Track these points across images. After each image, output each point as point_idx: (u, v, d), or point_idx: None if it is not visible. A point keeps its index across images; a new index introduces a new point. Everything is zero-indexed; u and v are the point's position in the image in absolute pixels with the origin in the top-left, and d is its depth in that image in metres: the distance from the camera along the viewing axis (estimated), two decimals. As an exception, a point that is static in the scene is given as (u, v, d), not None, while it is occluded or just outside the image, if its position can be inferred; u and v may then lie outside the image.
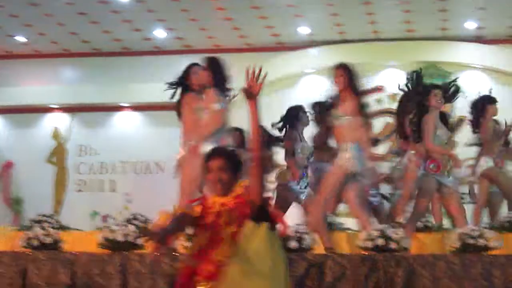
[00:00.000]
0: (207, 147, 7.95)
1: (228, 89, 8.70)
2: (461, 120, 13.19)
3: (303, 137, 10.55)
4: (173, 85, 9.04)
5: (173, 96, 9.11)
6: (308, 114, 10.76)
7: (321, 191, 8.62)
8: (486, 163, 9.89)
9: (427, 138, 8.73)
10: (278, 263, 4.42)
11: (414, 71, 10.62)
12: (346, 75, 8.56)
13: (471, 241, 7.46)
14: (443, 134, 9.17)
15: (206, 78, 8.43)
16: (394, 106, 13.10)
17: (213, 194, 4.64)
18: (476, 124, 10.23)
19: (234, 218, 4.50)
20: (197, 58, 13.85)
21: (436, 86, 9.83)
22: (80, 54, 14.97)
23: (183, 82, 9.01)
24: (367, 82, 13.92)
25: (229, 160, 4.59)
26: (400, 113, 10.00)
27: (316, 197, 8.83)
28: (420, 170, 8.90)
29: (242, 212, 4.48)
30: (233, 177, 4.54)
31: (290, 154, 10.33)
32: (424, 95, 9.30)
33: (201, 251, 4.58)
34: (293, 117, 10.88)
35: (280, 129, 10.21)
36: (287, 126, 10.28)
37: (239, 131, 10.27)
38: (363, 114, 8.60)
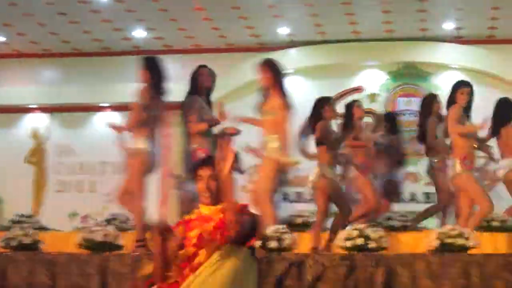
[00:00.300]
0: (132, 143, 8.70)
1: (163, 89, 8.87)
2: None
3: None
4: None
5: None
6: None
7: (262, 188, 8.69)
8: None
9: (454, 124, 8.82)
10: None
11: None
12: (270, 72, 8.77)
13: (450, 241, 7.46)
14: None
15: (143, 77, 8.67)
16: (374, 106, 14.14)
17: (201, 203, 4.68)
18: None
19: (212, 247, 4.49)
20: (177, 58, 14.54)
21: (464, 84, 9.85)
22: (60, 54, 14.93)
23: None
24: (347, 83, 14.21)
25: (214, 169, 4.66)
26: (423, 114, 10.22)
27: (262, 194, 8.81)
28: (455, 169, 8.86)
29: (220, 240, 4.47)
30: (217, 185, 4.61)
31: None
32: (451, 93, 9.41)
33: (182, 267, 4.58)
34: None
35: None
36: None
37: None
38: (289, 109, 8.82)
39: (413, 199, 14.01)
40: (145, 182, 8.77)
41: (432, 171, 10.30)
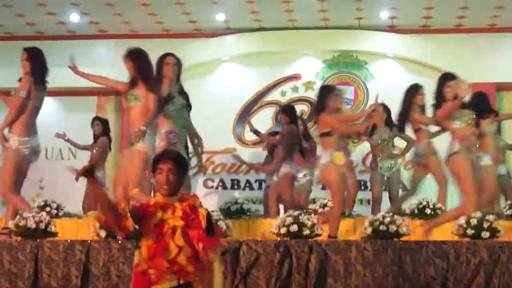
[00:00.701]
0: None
1: (44, 81, 9.03)
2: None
3: None
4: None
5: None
6: None
7: (134, 179, 8.75)
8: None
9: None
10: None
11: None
12: (132, 62, 8.82)
13: (382, 228, 7.57)
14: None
15: (25, 67, 8.84)
16: (309, 94, 14.45)
17: (158, 193, 4.84)
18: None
19: (192, 221, 4.70)
20: (113, 43, 14.73)
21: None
22: (-8, 37, 14.75)
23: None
24: (283, 70, 15.01)
25: (178, 163, 4.76)
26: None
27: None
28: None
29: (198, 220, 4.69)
30: (180, 180, 4.74)
31: None
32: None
33: (155, 252, 4.71)
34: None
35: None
36: None
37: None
38: (155, 98, 8.88)
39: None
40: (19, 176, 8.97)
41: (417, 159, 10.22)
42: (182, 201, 4.78)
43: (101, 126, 12.62)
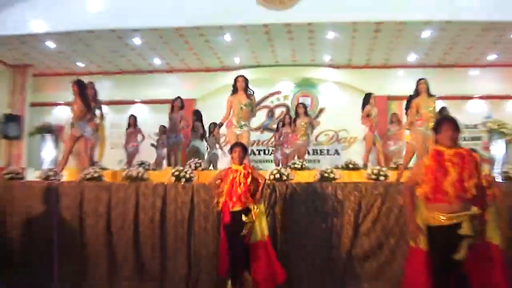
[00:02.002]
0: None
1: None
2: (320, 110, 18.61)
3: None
4: None
5: None
6: None
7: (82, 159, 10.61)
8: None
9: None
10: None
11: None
12: (76, 86, 10.69)
13: (326, 175, 9.22)
14: None
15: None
16: (286, 101, 18.86)
17: (233, 163, 7.52)
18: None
19: (245, 178, 7.38)
20: (175, 75, 18.24)
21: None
22: None
23: None
24: (271, 89, 18.64)
25: (243, 148, 7.53)
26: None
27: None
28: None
29: (249, 179, 7.31)
30: (243, 156, 7.41)
31: None
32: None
33: (229, 192, 7.37)
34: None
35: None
36: None
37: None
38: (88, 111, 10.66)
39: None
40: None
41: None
42: (243, 167, 7.37)
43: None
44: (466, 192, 5.26)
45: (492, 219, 6.68)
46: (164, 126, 14.91)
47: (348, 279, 8.48)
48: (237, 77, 10.43)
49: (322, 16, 13.92)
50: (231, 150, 7.60)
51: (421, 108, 10.99)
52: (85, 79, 14.82)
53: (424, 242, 5.55)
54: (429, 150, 5.67)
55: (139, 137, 15.15)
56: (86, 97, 10.84)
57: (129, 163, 14.26)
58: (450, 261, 5.08)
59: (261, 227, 7.50)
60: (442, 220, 5.25)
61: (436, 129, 5.60)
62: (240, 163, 7.43)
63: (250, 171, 7.39)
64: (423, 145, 10.21)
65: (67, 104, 15.64)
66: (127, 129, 14.80)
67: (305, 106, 13.37)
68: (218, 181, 7.55)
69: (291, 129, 13.81)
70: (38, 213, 8.92)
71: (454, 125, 5.48)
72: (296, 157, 12.90)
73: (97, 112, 11.84)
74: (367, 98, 13.24)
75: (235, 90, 10.41)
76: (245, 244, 7.34)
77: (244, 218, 7.18)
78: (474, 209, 5.23)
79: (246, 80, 10.39)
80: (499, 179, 9.36)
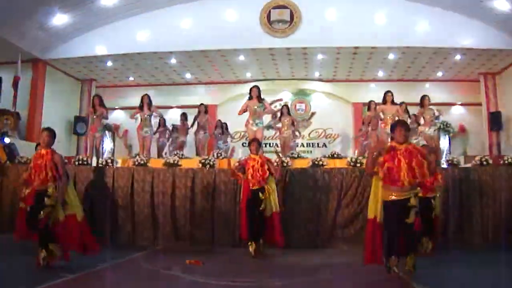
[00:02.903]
0: None
1: None
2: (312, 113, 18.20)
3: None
4: None
5: None
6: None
7: None
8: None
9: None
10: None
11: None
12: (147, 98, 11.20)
13: (317, 162, 9.21)
14: None
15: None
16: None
17: (251, 153, 7.70)
18: None
19: (262, 166, 7.52)
20: (204, 87, 17.89)
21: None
22: None
23: None
24: (275, 97, 17.63)
25: (258, 143, 7.85)
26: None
27: None
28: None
29: (264, 166, 7.44)
30: (258, 148, 7.70)
31: None
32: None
33: (251, 175, 7.54)
34: None
35: None
36: None
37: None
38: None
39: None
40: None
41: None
42: (259, 157, 7.56)
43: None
44: (414, 178, 5.33)
45: (438, 195, 7.32)
46: (174, 125, 14.48)
47: (332, 242, 8.61)
48: (252, 87, 10.30)
49: (314, 43, 14.49)
50: (249, 144, 7.85)
51: (386, 113, 11.11)
52: (135, 91, 17.25)
53: (380, 214, 5.64)
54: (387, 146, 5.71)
55: (167, 134, 14.50)
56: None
57: (159, 153, 13.92)
58: (404, 224, 5.15)
59: (275, 202, 7.60)
60: (394, 197, 5.32)
61: (392, 129, 5.64)
62: (256, 153, 7.61)
63: (264, 159, 7.59)
64: (384, 142, 10.10)
65: (121, 108, 17.16)
66: (157, 128, 14.06)
67: (287, 107, 12.71)
68: (240, 166, 7.71)
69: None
70: (99, 190, 9.03)
71: (405, 126, 5.53)
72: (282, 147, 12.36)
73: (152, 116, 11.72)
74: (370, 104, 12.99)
75: (250, 97, 10.26)
76: (262, 216, 7.46)
77: (260, 195, 7.35)
78: (418, 190, 5.34)
79: (258, 89, 10.24)
80: (444, 165, 9.40)
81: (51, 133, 6.49)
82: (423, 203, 5.98)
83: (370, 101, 12.93)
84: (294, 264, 7.03)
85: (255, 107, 10.23)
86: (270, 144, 16.78)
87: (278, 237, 7.58)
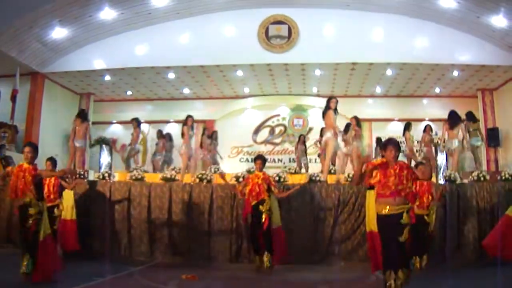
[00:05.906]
0: None
1: None
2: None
3: None
4: None
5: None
6: None
7: None
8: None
9: None
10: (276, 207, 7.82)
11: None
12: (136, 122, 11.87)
13: (313, 178, 9.26)
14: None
15: None
16: (284, 122, 18.19)
17: (256, 170, 7.97)
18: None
19: (263, 183, 7.72)
20: (202, 102, 17.56)
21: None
22: None
23: None
24: (273, 111, 17.87)
25: (263, 160, 7.98)
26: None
27: None
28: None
29: (265, 183, 7.66)
30: (263, 166, 7.92)
31: None
32: None
33: (251, 192, 7.75)
34: None
35: None
36: None
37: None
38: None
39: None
40: None
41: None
42: (262, 174, 7.82)
43: None
44: (403, 191, 5.38)
45: (432, 212, 7.37)
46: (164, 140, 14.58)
47: (329, 258, 8.63)
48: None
49: (311, 58, 14.48)
50: (254, 161, 8.04)
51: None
52: (133, 105, 17.85)
53: (375, 226, 5.81)
54: (378, 160, 5.70)
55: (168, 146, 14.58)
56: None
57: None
58: (397, 242, 5.18)
59: (277, 217, 7.84)
60: (387, 211, 5.34)
61: (383, 148, 5.66)
62: (260, 171, 7.86)
63: (266, 176, 7.86)
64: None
65: (119, 123, 17.15)
66: (156, 143, 14.30)
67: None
68: (244, 183, 8.00)
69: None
70: (96, 203, 9.13)
71: (396, 146, 5.55)
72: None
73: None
74: (408, 126, 12.95)
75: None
76: (265, 229, 7.57)
77: (260, 207, 7.58)
78: (409, 205, 5.40)
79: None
80: (441, 181, 9.50)
81: (34, 149, 6.54)
82: (416, 221, 6.12)
83: (426, 125, 13.22)
84: (293, 280, 7.04)
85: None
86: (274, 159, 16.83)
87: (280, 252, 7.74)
